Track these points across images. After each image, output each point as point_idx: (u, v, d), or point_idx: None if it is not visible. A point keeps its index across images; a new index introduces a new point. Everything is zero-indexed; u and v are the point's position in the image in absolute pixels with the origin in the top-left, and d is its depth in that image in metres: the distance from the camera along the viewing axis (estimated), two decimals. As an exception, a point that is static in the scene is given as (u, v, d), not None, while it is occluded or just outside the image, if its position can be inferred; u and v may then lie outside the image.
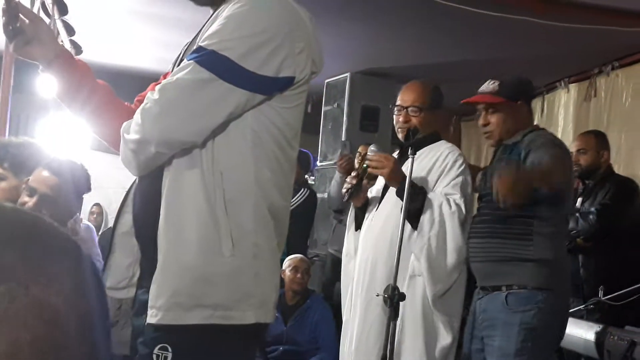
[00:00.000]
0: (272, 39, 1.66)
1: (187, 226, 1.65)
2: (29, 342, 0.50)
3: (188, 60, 1.66)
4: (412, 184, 2.88)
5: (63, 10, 3.22)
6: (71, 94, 1.83)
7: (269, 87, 1.69)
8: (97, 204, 7.41)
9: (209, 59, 1.64)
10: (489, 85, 2.98)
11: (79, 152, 6.57)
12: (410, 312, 2.90)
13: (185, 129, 1.64)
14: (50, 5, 3.35)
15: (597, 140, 4.21)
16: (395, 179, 2.92)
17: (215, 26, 1.67)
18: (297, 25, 1.73)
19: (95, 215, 7.42)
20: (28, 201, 2.53)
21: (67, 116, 7.92)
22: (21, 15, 1.72)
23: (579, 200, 4.16)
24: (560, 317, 2.92)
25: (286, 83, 1.71)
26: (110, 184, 6.14)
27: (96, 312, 0.58)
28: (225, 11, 1.68)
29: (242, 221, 1.67)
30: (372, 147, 3.18)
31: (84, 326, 0.56)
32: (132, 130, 1.66)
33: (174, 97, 1.64)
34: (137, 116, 1.65)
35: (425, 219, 2.91)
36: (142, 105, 1.66)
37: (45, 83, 6.71)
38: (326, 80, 7.02)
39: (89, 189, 2.76)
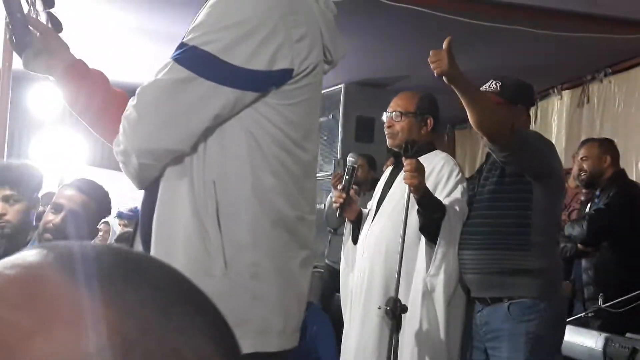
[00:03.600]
0: (260, 27, 1.46)
1: (175, 245, 1.49)
2: None
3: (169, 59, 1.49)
4: (432, 195, 2.88)
5: (49, 3, 3.20)
6: (83, 105, 1.66)
7: (262, 82, 1.48)
8: (106, 222, 7.35)
9: (188, 56, 1.46)
10: (490, 85, 2.98)
11: (75, 168, 6.57)
12: (428, 329, 2.86)
13: (166, 136, 1.46)
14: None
15: (599, 147, 4.22)
16: (422, 190, 2.84)
17: (198, 18, 1.50)
18: (293, 8, 1.52)
19: (102, 233, 7.36)
20: (53, 218, 2.53)
21: (62, 133, 7.92)
22: (30, 27, 1.62)
23: (588, 206, 4.17)
24: (560, 324, 2.93)
25: (282, 76, 1.50)
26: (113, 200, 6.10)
27: None
28: (211, 0, 1.51)
29: (238, 236, 1.48)
30: (349, 157, 3.20)
31: None
32: (117, 140, 1.51)
33: (151, 100, 1.47)
34: (121, 125, 1.50)
35: (444, 232, 2.88)
36: (124, 112, 1.51)
37: (40, 100, 6.74)
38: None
39: (109, 212, 2.75)
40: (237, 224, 1.48)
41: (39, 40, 1.63)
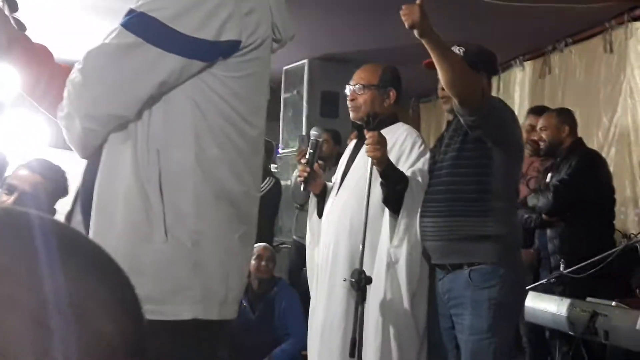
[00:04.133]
0: None
1: (116, 209, 1.48)
2: None
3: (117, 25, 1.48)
4: (394, 167, 2.89)
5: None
6: (30, 81, 1.63)
7: (208, 52, 1.48)
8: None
9: (136, 22, 1.45)
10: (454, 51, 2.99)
11: (36, 149, 6.48)
12: (392, 299, 2.89)
13: (110, 100, 1.46)
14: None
15: (557, 117, 4.28)
16: (385, 163, 2.87)
17: None
18: None
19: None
20: (6, 199, 2.49)
21: (22, 114, 7.77)
22: None
23: (549, 175, 4.22)
24: (521, 290, 2.99)
25: (229, 48, 1.50)
26: (70, 181, 6.04)
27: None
28: None
29: (180, 205, 1.48)
30: (313, 131, 3.20)
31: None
32: (61, 105, 1.49)
33: (97, 64, 1.46)
34: (65, 89, 1.49)
35: (407, 203, 2.90)
36: (70, 75, 1.49)
37: (-2, 81, 6.61)
38: (284, 67, 7.00)
39: (66, 193, 2.70)
40: (180, 193, 1.49)
41: None
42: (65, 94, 1.48)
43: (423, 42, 2.61)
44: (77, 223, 1.63)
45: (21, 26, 1.70)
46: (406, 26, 2.58)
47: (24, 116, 7.09)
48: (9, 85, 6.82)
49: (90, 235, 1.48)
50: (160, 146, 1.48)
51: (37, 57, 1.63)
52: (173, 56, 1.45)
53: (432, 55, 2.65)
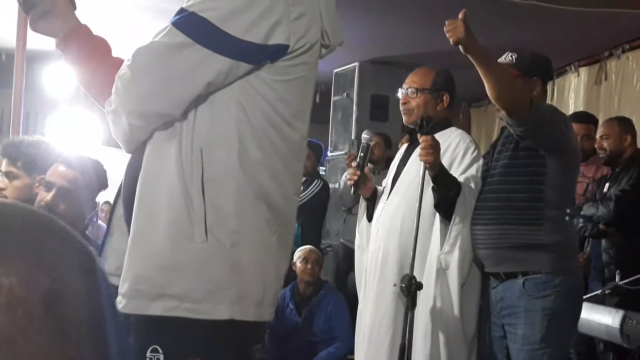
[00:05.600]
0: (260, 0, 1.48)
1: (159, 207, 1.48)
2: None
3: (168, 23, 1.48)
4: (447, 172, 2.86)
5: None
6: (87, 74, 1.64)
7: (256, 55, 1.48)
8: (108, 202, 7.39)
9: (187, 21, 1.46)
10: (506, 57, 2.94)
11: (90, 148, 6.59)
12: (442, 305, 2.86)
13: (157, 97, 1.47)
14: None
15: (619, 125, 4.19)
16: (437, 167, 2.82)
17: None
18: None
19: (105, 214, 7.39)
20: (45, 197, 2.53)
21: (77, 112, 7.93)
22: None
23: (607, 185, 4.14)
24: (577, 299, 2.91)
25: (277, 51, 1.50)
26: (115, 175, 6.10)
27: (107, 319, 0.58)
28: None
29: (221, 204, 1.48)
30: (364, 134, 3.18)
31: (97, 333, 0.56)
32: (109, 100, 1.51)
33: (146, 62, 1.47)
34: (114, 84, 1.50)
35: (459, 209, 2.87)
36: (119, 71, 1.50)
37: (55, 80, 6.75)
38: (334, 70, 7.01)
39: (106, 186, 2.74)
40: (221, 192, 1.49)
41: (47, 1, 1.61)
42: (113, 89, 1.49)
43: (468, 56, 2.58)
44: (119, 217, 1.65)
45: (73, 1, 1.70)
46: (451, 43, 2.55)
47: (79, 114, 7.23)
48: (65, 84, 6.95)
49: (131, 232, 1.50)
50: (203, 145, 1.49)
51: (95, 50, 1.64)
52: (221, 57, 1.46)
53: (478, 69, 2.62)
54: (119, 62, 1.59)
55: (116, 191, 1.71)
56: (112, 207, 1.75)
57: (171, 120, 1.50)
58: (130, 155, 1.61)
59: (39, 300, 0.53)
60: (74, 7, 1.67)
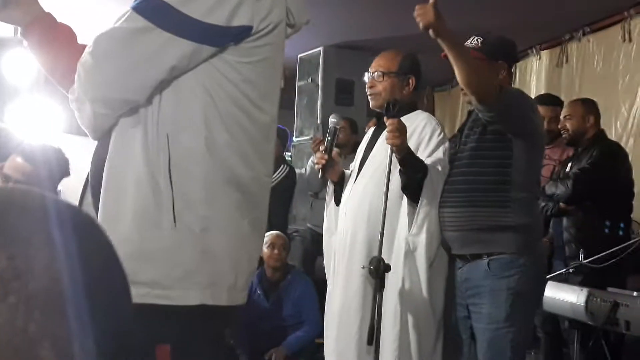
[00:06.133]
0: None
1: (126, 194, 1.47)
2: None
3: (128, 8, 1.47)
4: (414, 155, 2.88)
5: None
6: (49, 61, 1.62)
7: (219, 37, 1.46)
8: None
9: (147, 6, 1.44)
10: (472, 41, 2.97)
11: (51, 135, 6.49)
12: (410, 287, 2.88)
13: (120, 84, 1.45)
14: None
15: (583, 106, 4.25)
16: (404, 150, 2.84)
17: None
18: None
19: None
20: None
21: (38, 100, 7.79)
22: None
23: (569, 165, 4.20)
24: (540, 279, 2.98)
25: (241, 33, 1.48)
26: (85, 167, 6.04)
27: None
28: None
29: (189, 190, 1.47)
30: (331, 118, 3.19)
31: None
32: (72, 88, 1.49)
33: (107, 48, 1.45)
34: (76, 72, 1.48)
35: (426, 191, 2.89)
36: (80, 59, 1.48)
37: (15, 67, 6.62)
38: (299, 55, 6.98)
39: (67, 173, 2.70)
40: (189, 178, 1.47)
41: None
42: (75, 77, 1.47)
43: (438, 41, 2.59)
44: (88, 204, 1.62)
45: None
46: (420, 27, 2.56)
47: (40, 102, 7.11)
48: (25, 71, 6.82)
49: (99, 219, 1.48)
50: (170, 131, 1.47)
51: (58, 37, 1.61)
52: (183, 41, 1.44)
53: (447, 54, 2.63)
54: (83, 48, 1.56)
55: (84, 179, 1.68)
56: (81, 194, 1.74)
57: (136, 107, 1.48)
58: (95, 142, 1.59)
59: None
60: None
